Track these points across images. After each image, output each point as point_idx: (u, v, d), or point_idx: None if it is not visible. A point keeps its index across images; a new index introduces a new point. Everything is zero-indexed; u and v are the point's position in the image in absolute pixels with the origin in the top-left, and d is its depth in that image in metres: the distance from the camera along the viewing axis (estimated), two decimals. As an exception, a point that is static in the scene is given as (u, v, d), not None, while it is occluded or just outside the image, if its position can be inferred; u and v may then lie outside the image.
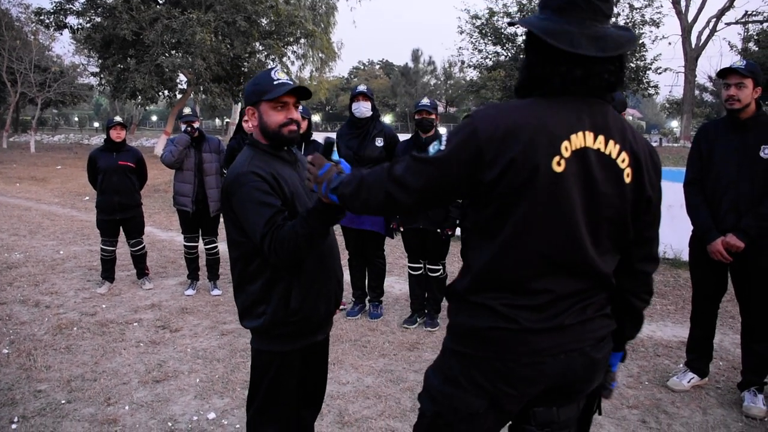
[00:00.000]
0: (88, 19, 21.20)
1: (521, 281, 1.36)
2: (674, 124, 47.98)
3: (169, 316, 4.76)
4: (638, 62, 24.17)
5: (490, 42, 25.88)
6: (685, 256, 3.73)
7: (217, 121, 58.16)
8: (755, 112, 3.13)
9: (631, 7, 23.99)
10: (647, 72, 24.73)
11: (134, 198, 5.52)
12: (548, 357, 1.38)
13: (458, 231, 4.20)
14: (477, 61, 26.76)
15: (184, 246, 5.46)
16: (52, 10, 21.22)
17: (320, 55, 32.79)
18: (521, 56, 23.07)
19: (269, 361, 2.02)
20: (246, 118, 2.03)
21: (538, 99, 1.38)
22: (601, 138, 1.36)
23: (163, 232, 8.64)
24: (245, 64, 22.01)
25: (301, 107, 4.91)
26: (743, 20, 24.44)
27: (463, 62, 30.66)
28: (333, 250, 2.11)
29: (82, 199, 12.22)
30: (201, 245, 5.46)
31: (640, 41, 23.75)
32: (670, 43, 25.44)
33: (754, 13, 23.98)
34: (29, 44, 28.03)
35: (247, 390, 2.13)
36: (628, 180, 1.39)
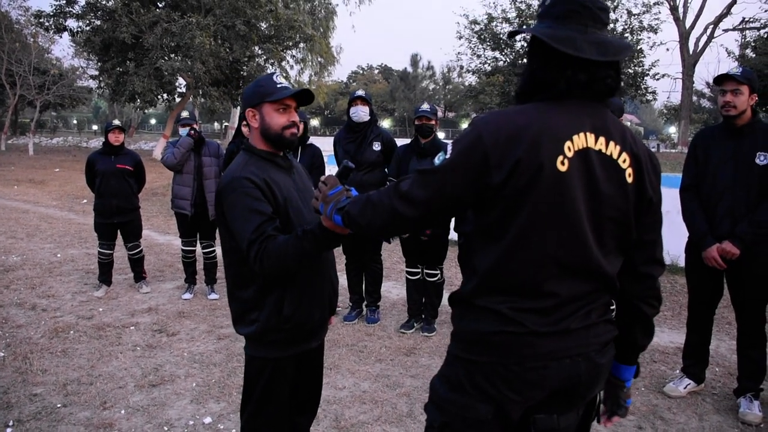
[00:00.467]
0: (87, 22, 21.24)
1: (527, 284, 1.37)
2: (672, 130, 48.11)
3: (166, 319, 4.75)
4: (636, 68, 24.24)
5: (488, 47, 25.95)
6: (681, 262, 3.74)
7: (216, 124, 58.22)
8: (751, 119, 3.15)
9: (630, 14, 24.08)
10: (645, 78, 24.80)
11: (132, 201, 5.52)
12: (553, 361, 1.38)
13: (455, 236, 4.20)
14: (476, 66, 26.83)
15: (182, 250, 5.46)
16: (51, 13, 21.27)
17: (319, 59, 32.80)
18: (520, 62, 23.23)
19: (262, 368, 2.01)
20: (245, 122, 2.04)
21: (538, 103, 1.40)
22: (602, 139, 1.38)
23: (161, 235, 8.63)
24: (244, 67, 22.03)
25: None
26: (740, 27, 24.55)
27: (461, 67, 30.81)
28: (328, 256, 2.10)
29: (80, 202, 12.22)
30: (199, 249, 5.47)
31: (638, 47, 23.84)
32: (668, 50, 25.61)
33: (752, 20, 24.10)
34: (29, 47, 28.09)
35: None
36: (630, 180, 1.40)
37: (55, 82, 29.73)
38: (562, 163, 1.32)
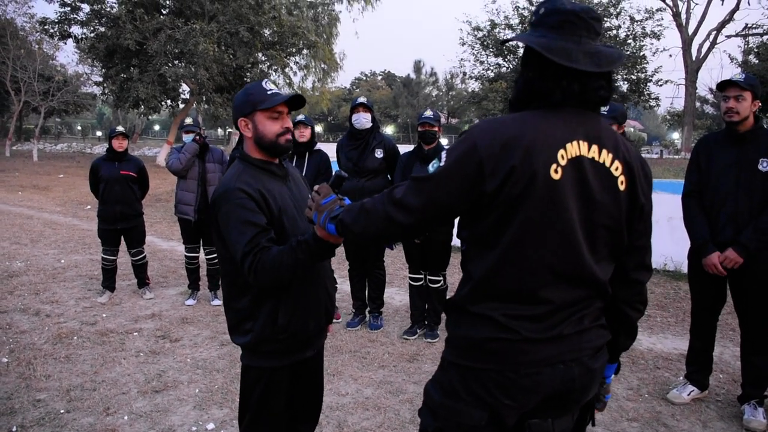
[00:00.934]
0: (92, 28, 21.40)
1: (522, 290, 1.38)
2: (675, 135, 48.08)
3: (169, 325, 4.76)
4: (639, 74, 24.29)
5: (491, 54, 26.05)
6: (685, 269, 3.74)
7: (219, 130, 58.41)
8: (754, 125, 3.15)
9: (632, 20, 24.15)
10: (648, 84, 24.85)
11: (136, 207, 5.54)
12: (547, 367, 1.39)
13: (458, 242, 4.20)
14: (479, 72, 26.93)
15: (185, 256, 5.47)
16: (56, 20, 21.44)
17: (322, 65, 32.91)
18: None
19: (258, 377, 2.01)
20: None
21: (532, 111, 1.41)
22: (594, 147, 1.39)
23: (165, 241, 8.65)
24: (248, 74, 22.13)
25: (303, 116, 4.96)
26: (743, 33, 24.58)
27: (464, 73, 30.88)
28: (323, 265, 2.08)
29: (84, 208, 12.26)
30: (202, 255, 5.48)
31: (641, 53, 23.88)
32: (670, 56, 25.56)
33: (754, 26, 24.15)
34: (33, 53, 28.28)
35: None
36: (622, 188, 1.42)
37: (60, 89, 29.89)
38: (556, 171, 1.33)
